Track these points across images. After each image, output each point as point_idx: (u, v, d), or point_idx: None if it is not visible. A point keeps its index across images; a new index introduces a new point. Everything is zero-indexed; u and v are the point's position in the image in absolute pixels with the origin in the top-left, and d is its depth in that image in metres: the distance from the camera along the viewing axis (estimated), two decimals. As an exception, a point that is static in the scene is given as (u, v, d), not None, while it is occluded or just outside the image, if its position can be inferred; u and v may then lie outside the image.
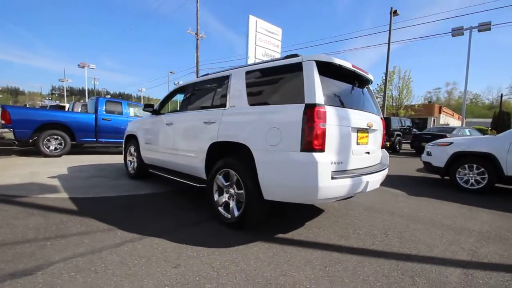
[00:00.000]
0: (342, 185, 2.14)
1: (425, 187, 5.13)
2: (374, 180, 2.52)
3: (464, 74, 16.82)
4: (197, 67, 27.55)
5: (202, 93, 3.36)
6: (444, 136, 10.55)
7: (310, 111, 2.03)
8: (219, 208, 2.71)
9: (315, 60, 2.19)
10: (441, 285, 1.79)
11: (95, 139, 7.01)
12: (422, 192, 4.60)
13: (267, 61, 2.67)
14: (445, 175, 5.10)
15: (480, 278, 1.90)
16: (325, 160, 2.02)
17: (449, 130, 12.16)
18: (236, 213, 2.53)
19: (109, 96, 42.26)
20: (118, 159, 6.99)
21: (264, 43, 12.09)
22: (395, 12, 18.58)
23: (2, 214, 2.65)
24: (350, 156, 2.35)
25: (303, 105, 2.08)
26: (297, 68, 2.26)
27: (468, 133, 12.01)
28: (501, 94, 36.32)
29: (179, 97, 4.34)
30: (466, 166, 4.71)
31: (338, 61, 2.30)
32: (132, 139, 4.61)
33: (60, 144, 6.41)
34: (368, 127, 2.57)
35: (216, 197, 2.77)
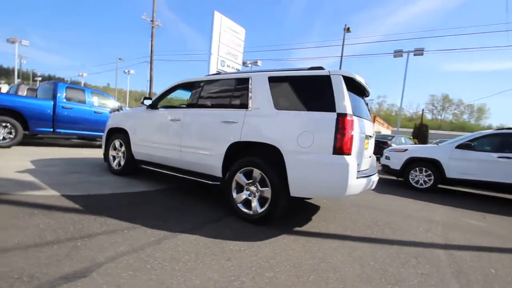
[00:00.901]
0: (361, 184, 2.52)
1: (385, 186, 6.01)
2: (376, 180, 2.98)
3: (392, 90, 19.70)
4: (151, 56, 25.88)
5: (215, 91, 3.39)
6: (386, 143, 12.28)
7: (342, 120, 2.34)
8: (239, 205, 2.83)
9: (342, 75, 2.52)
10: (437, 262, 2.30)
11: (52, 130, 6.16)
12: (385, 191, 5.40)
13: (290, 70, 2.89)
14: (400, 177, 6.07)
15: (459, 256, 2.48)
16: (353, 162, 2.35)
17: (390, 137, 14.13)
18: (260, 209, 2.69)
19: (40, 78, 36.37)
20: (80, 152, 6.32)
21: (228, 41, 12.07)
22: (348, 29, 20.67)
23: (-7, 214, 2.30)
24: (363, 159, 2.76)
25: (335, 114, 2.38)
26: (326, 80, 2.55)
27: (403, 141, 14.18)
28: (423, 109, 43.47)
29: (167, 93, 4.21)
30: (417, 169, 5.72)
31: (357, 77, 2.68)
32: (116, 133, 4.30)
33: (10, 133, 5.46)
34: (372, 135, 3.02)
35: (234, 194, 2.88)
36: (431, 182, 5.53)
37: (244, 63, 23.46)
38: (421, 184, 5.67)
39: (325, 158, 2.36)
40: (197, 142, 3.23)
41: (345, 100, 2.42)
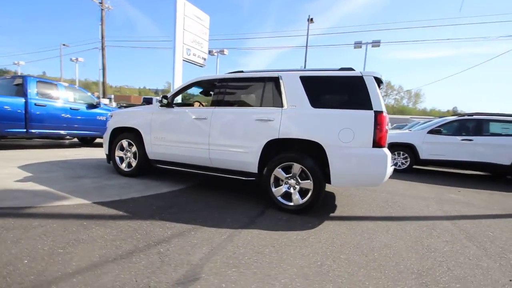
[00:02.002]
0: (390, 171, 2.91)
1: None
2: (393, 168, 3.44)
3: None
4: (102, 42, 23.61)
5: (242, 90, 3.44)
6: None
7: (380, 117, 2.67)
8: (279, 197, 3.03)
9: (373, 76, 2.82)
10: (451, 231, 2.83)
11: (25, 130, 5.45)
12: (372, 173, 6.08)
13: (319, 70, 3.10)
14: (381, 160, 6.84)
15: (461, 224, 3.07)
16: (388, 153, 2.72)
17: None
18: (301, 201, 2.93)
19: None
20: (60, 154, 5.73)
21: (193, 28, 11.55)
22: (311, 19, 21.41)
23: (43, 230, 2.12)
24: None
25: (372, 111, 2.70)
26: (359, 80, 2.83)
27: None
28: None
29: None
30: (395, 153, 6.51)
31: (383, 77, 3.01)
32: (123, 133, 4.06)
33: (-24, 136, 4.72)
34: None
35: (273, 188, 3.06)
36: (408, 164, 6.38)
37: (210, 52, 22.74)
38: (399, 166, 6.50)
39: (367, 151, 2.68)
40: (229, 140, 3.28)
41: (379, 99, 2.74)
